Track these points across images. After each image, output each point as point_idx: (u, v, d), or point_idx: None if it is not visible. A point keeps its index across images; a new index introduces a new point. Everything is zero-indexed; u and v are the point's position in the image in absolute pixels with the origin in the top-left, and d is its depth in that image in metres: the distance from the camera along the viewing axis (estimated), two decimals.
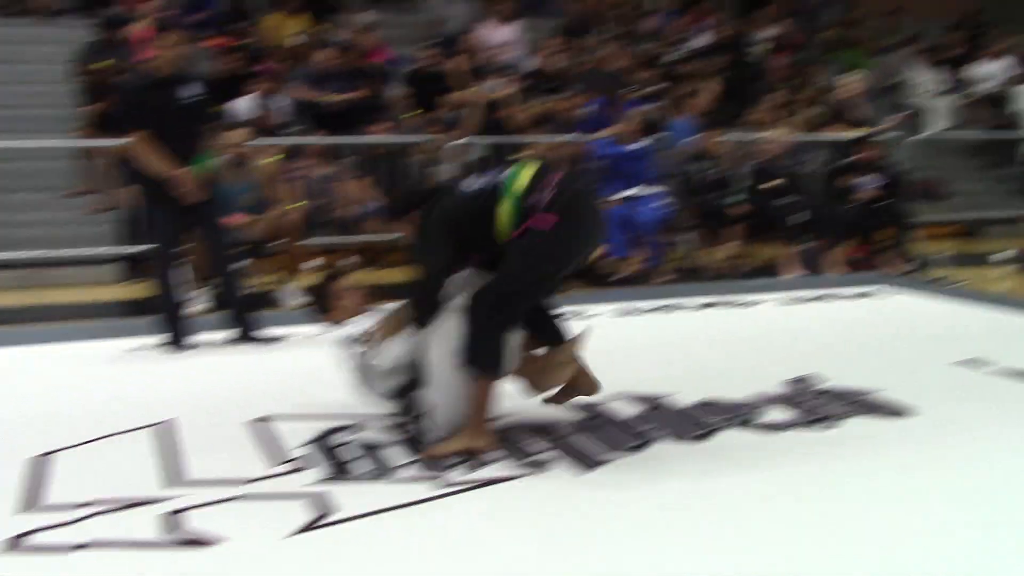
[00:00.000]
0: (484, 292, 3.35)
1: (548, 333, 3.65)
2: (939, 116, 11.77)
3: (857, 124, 9.53)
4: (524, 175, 3.38)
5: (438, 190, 3.75)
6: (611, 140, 8.30)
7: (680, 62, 11.33)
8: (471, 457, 3.32)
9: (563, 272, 3.44)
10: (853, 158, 8.76)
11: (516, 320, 3.40)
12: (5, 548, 2.71)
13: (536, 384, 3.66)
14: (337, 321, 3.95)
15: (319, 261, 8.32)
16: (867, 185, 8.45)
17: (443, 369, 3.44)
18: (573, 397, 3.76)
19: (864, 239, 8.56)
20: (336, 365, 3.87)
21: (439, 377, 3.45)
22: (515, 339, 3.45)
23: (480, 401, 3.37)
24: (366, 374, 3.70)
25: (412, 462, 3.36)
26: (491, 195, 3.35)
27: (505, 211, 3.32)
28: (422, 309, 3.48)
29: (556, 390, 3.71)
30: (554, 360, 3.63)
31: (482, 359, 3.33)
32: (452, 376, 3.42)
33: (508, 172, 3.42)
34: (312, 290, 4.18)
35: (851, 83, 9.81)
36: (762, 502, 2.99)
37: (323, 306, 4.02)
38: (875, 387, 4.25)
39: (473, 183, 3.43)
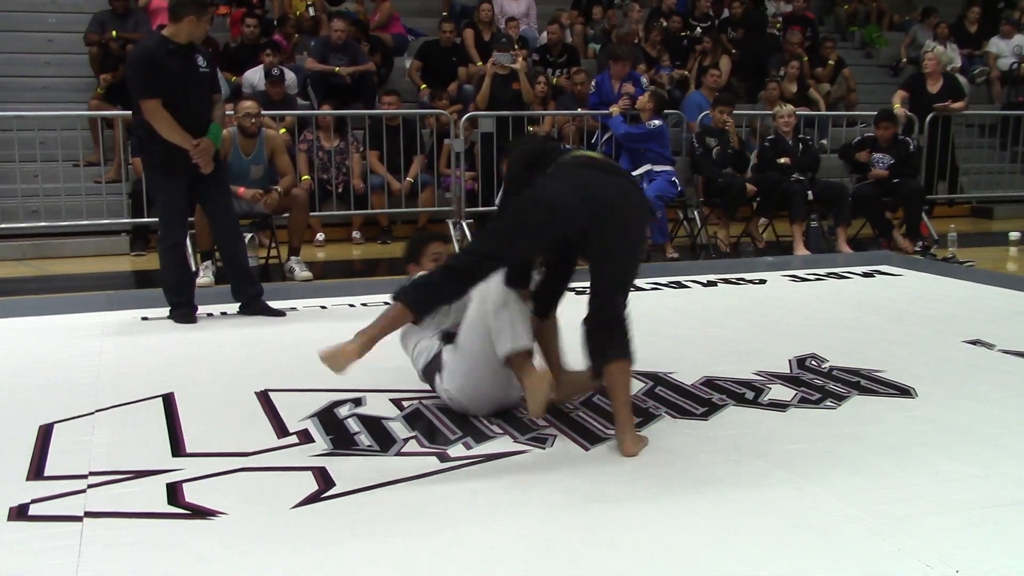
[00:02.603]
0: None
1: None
2: None
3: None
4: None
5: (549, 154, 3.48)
6: (622, 117, 8.26)
7: (694, 37, 11.25)
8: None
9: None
10: (868, 135, 8.70)
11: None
12: (12, 516, 2.74)
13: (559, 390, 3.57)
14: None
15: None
16: (881, 163, 8.40)
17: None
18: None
19: (875, 217, 8.51)
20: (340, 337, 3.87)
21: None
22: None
23: (621, 389, 3.27)
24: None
25: (411, 437, 3.39)
26: None
27: None
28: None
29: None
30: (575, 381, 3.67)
31: (609, 350, 3.26)
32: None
33: None
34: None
35: (931, 57, 9.60)
36: (758, 480, 3.00)
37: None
38: (880, 366, 4.26)
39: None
